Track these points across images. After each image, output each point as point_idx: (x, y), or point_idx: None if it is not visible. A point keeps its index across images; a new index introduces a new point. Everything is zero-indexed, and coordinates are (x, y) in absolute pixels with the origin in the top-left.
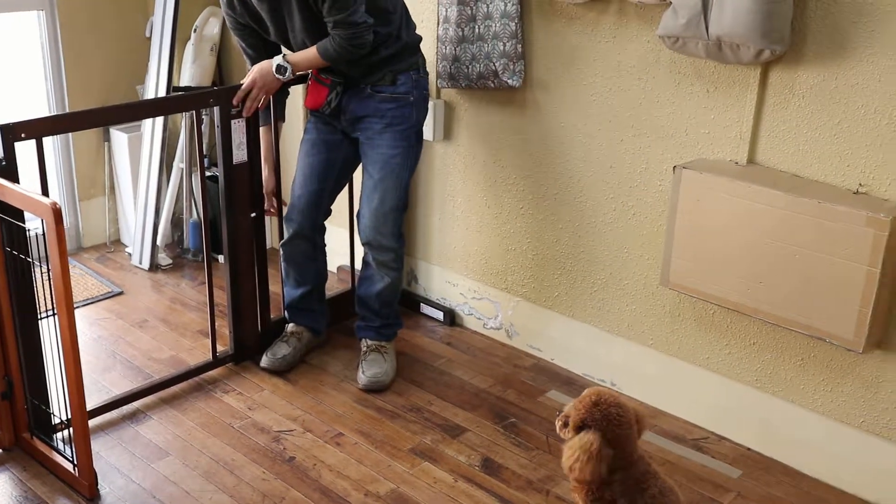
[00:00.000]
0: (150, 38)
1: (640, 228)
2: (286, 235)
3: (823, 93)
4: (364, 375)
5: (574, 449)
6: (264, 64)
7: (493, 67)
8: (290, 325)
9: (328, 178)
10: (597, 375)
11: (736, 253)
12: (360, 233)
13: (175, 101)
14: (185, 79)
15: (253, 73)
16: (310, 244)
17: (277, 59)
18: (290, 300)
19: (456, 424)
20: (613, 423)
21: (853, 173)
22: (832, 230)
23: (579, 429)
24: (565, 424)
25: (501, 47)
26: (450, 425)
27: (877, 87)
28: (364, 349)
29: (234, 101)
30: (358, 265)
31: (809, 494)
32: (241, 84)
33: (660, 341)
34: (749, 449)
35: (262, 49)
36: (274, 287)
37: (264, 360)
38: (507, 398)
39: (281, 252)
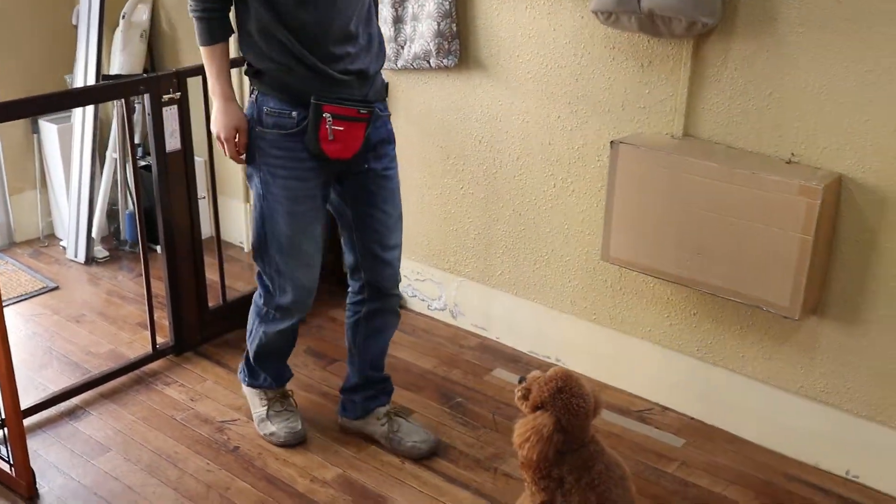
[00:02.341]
0: (76, 26)
1: (579, 204)
2: (283, 322)
3: (755, 64)
4: (423, 445)
5: (527, 428)
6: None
7: (429, 47)
8: (278, 391)
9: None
10: (542, 352)
11: (674, 225)
12: (381, 283)
13: (105, 90)
14: (116, 67)
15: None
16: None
17: None
18: (276, 373)
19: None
20: (571, 412)
21: (785, 143)
22: (766, 200)
23: (536, 408)
24: (525, 397)
25: (436, 27)
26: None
27: (806, 57)
28: (384, 421)
29: None
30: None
31: (751, 460)
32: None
33: (602, 316)
34: (692, 418)
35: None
36: (212, 276)
37: (284, 438)
38: (453, 378)
39: (264, 335)
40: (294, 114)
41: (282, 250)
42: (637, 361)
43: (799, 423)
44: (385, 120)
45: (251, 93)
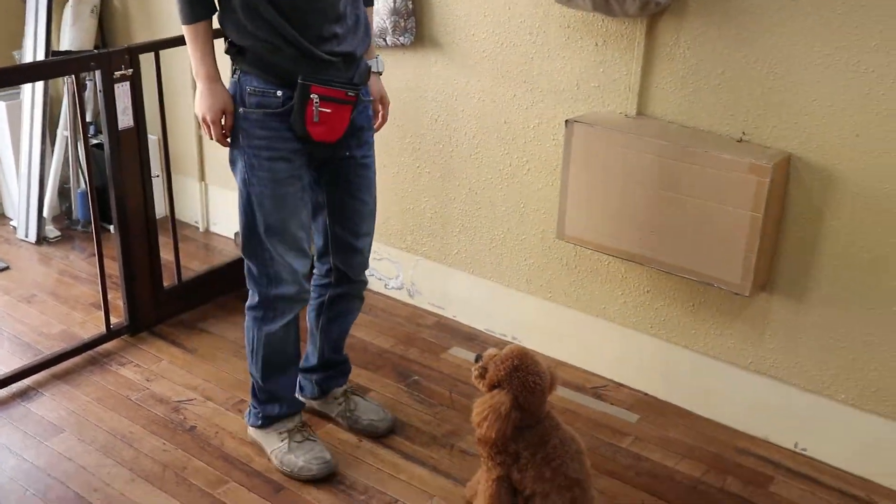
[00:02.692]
0: (25, 1)
1: (535, 183)
2: (285, 316)
3: (707, 44)
4: (380, 423)
5: (484, 407)
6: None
7: (384, 25)
8: (297, 419)
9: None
10: (498, 330)
11: (628, 204)
12: (349, 269)
13: (55, 66)
14: (66, 43)
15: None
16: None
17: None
18: (290, 393)
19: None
20: (528, 390)
21: (737, 122)
22: (718, 178)
23: (493, 386)
24: (481, 376)
25: (392, 4)
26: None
27: (757, 37)
28: (341, 400)
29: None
30: None
31: (703, 434)
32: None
33: (558, 294)
34: (646, 394)
35: None
36: (166, 255)
37: (317, 471)
38: (410, 357)
39: (267, 339)
40: (279, 93)
41: (273, 235)
42: (592, 339)
43: (749, 397)
44: (366, 105)
45: (233, 72)
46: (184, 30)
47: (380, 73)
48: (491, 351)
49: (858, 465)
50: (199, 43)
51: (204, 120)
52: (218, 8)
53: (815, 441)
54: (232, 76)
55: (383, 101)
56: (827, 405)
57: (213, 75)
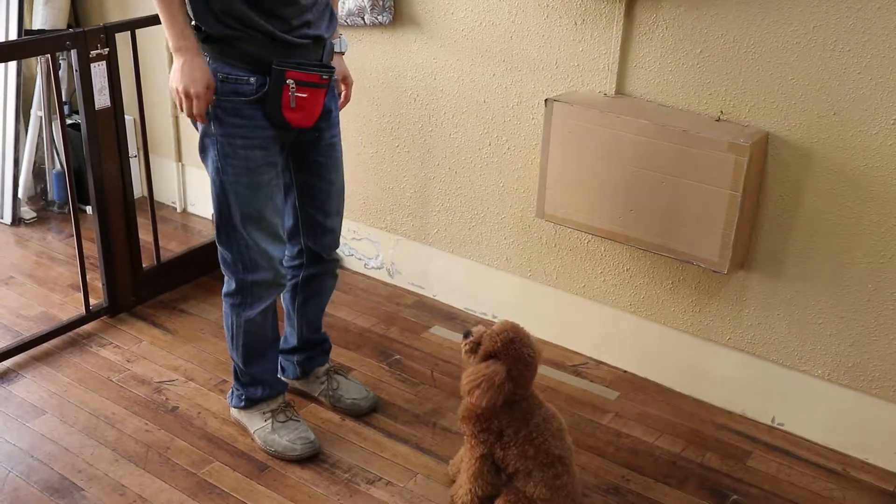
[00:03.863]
0: None
1: (515, 162)
2: (262, 302)
3: (685, 23)
4: (362, 402)
5: (478, 375)
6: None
7: (363, 4)
8: (280, 399)
9: None
10: (478, 309)
11: (607, 182)
12: (321, 249)
13: (30, 45)
14: (38, 21)
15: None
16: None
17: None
18: (272, 375)
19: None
20: (522, 363)
21: (715, 101)
22: (696, 157)
23: (487, 358)
24: (473, 350)
25: None
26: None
27: (735, 16)
28: (324, 379)
29: None
30: None
31: (681, 410)
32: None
33: (538, 272)
34: (625, 371)
35: None
36: (145, 236)
37: (300, 451)
38: (391, 336)
39: (246, 325)
40: (252, 80)
41: (248, 223)
42: (572, 317)
43: (727, 373)
44: (333, 84)
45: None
46: (157, 6)
47: (342, 53)
48: (479, 328)
49: (834, 438)
50: (178, 18)
51: (187, 94)
52: None
53: (792, 416)
54: None
55: (346, 80)
56: (803, 380)
57: (196, 48)
